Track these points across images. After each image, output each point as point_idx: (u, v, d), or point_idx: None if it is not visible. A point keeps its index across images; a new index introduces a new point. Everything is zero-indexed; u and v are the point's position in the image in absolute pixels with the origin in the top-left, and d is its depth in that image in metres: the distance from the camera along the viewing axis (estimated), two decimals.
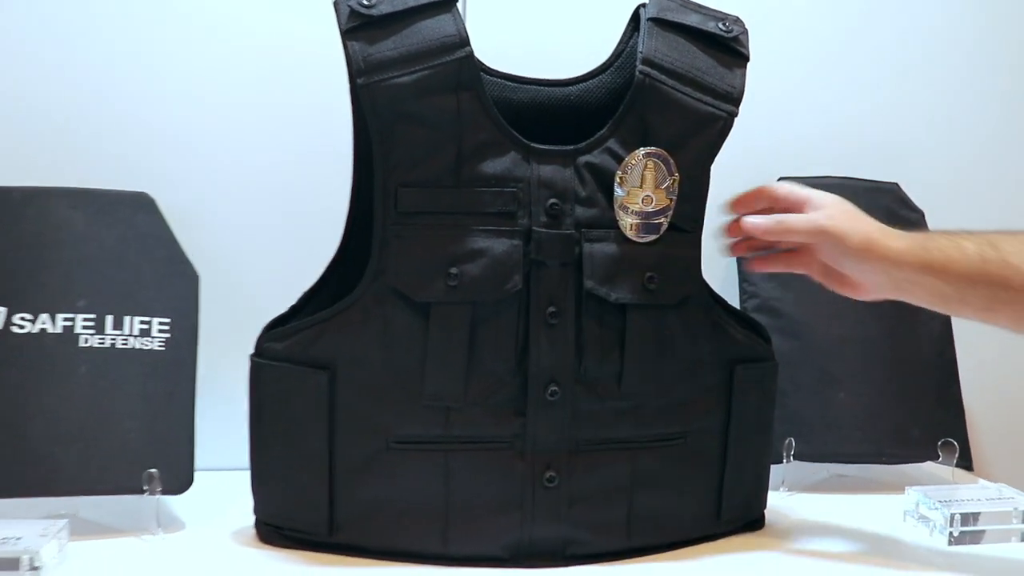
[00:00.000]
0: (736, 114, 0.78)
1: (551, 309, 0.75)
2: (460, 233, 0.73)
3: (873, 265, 0.75)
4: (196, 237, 0.88)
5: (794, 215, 0.78)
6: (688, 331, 0.79)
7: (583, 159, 0.76)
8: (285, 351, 0.76)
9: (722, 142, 0.79)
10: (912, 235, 0.77)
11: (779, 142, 1.09)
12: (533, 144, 0.76)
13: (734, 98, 0.78)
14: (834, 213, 0.77)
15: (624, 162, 0.76)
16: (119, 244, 0.84)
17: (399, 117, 0.73)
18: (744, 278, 1.03)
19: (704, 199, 0.79)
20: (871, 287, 0.78)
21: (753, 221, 0.78)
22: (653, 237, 0.77)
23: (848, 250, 0.76)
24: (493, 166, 0.74)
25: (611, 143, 0.76)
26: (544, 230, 0.74)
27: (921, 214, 1.07)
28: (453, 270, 0.73)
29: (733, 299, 1.02)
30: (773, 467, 0.88)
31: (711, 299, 0.81)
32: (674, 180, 0.77)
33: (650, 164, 0.76)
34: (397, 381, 0.75)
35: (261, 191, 0.99)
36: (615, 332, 0.76)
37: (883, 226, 0.77)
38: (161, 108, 0.96)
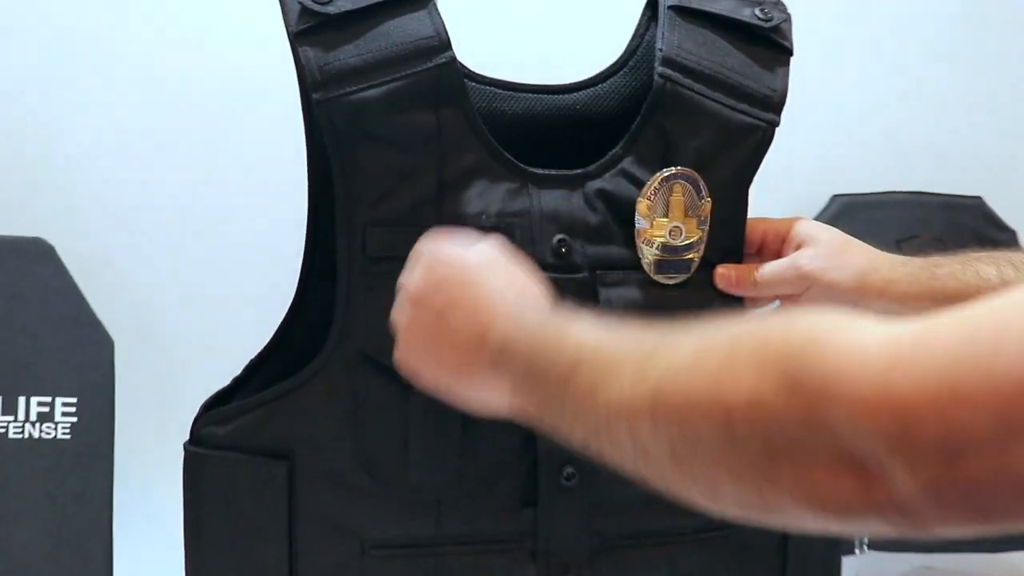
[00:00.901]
0: (777, 123, 0.80)
1: None
2: None
3: (872, 305, 0.77)
4: (108, 292, 0.91)
5: (770, 264, 0.80)
6: None
7: (594, 185, 0.77)
8: (229, 437, 0.77)
9: (761, 157, 0.80)
10: (917, 261, 0.78)
11: (831, 152, 1.12)
12: (531, 168, 0.77)
13: (774, 104, 0.79)
14: (818, 250, 0.79)
15: (644, 187, 0.77)
16: (8, 302, 0.85)
17: (365, 138, 0.73)
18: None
19: (743, 227, 0.81)
20: None
21: (722, 274, 0.80)
22: (683, 277, 0.78)
23: (838, 293, 0.78)
24: (483, 197, 0.75)
25: (627, 163, 0.78)
26: (551, 274, 0.75)
27: (1013, 233, 1.09)
28: None
29: None
30: (844, 559, 0.88)
31: None
32: (706, 205, 0.78)
33: (676, 188, 0.77)
34: (373, 470, 0.75)
35: (192, 232, 1.00)
36: None
37: (880, 253, 0.79)
38: (59, 129, 0.98)
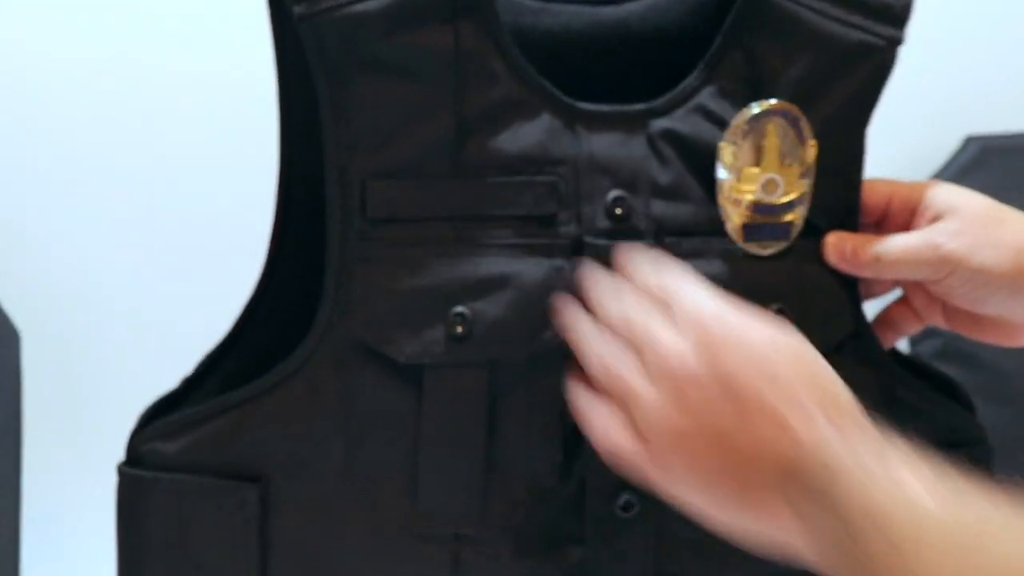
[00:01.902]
0: (901, 40, 0.80)
1: None
2: (467, 251, 0.75)
3: None
4: (15, 273, 0.91)
5: (898, 237, 0.79)
6: None
7: (660, 124, 0.78)
8: (181, 455, 0.77)
9: (881, 86, 0.80)
10: None
11: (965, 83, 1.12)
12: (578, 104, 0.77)
13: (897, 14, 0.80)
14: (962, 224, 0.78)
15: (729, 127, 0.77)
16: None
17: (363, 65, 0.74)
18: None
19: (858, 179, 0.81)
20: None
21: (834, 244, 0.80)
22: (782, 245, 0.79)
23: (989, 279, 0.77)
24: (516, 140, 0.76)
25: (704, 96, 0.78)
26: (604, 241, 0.76)
27: None
28: (459, 310, 0.74)
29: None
30: None
31: (876, 345, 0.83)
32: (810, 151, 0.79)
33: (771, 128, 0.78)
34: (371, 495, 0.75)
35: (121, 199, 1.01)
36: None
37: None
38: None
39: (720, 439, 0.65)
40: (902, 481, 0.59)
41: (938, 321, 0.84)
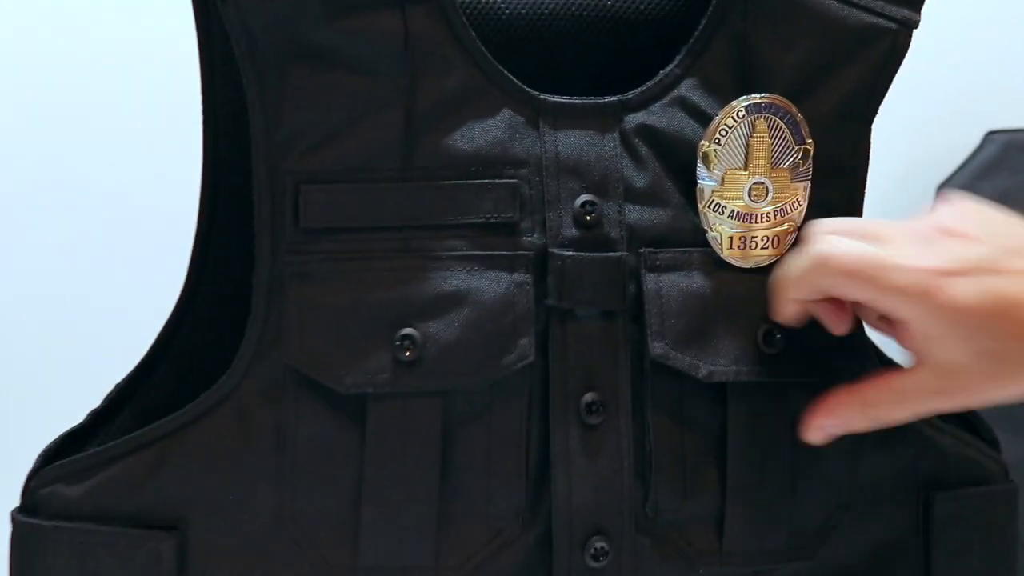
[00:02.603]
0: (915, 23, 0.81)
1: (590, 398, 0.78)
2: (417, 264, 0.76)
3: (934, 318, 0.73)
4: None
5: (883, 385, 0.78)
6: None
7: (636, 119, 0.79)
8: (86, 500, 0.77)
9: (891, 76, 0.82)
10: None
11: (987, 76, 1.15)
12: (543, 96, 0.79)
13: None
14: (836, 224, 0.77)
15: (714, 124, 0.79)
16: None
17: (296, 55, 0.75)
18: None
19: (862, 182, 0.83)
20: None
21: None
22: (771, 258, 0.80)
23: (884, 288, 0.74)
24: (473, 138, 0.77)
25: (686, 88, 0.80)
26: (572, 253, 0.77)
27: None
28: (407, 332, 0.75)
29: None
30: None
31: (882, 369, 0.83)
32: (806, 152, 0.80)
33: (760, 125, 0.80)
34: (308, 543, 0.76)
35: (23, 198, 1.03)
36: (708, 436, 0.80)
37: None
38: None
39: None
40: None
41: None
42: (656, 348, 0.78)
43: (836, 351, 0.81)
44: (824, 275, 0.75)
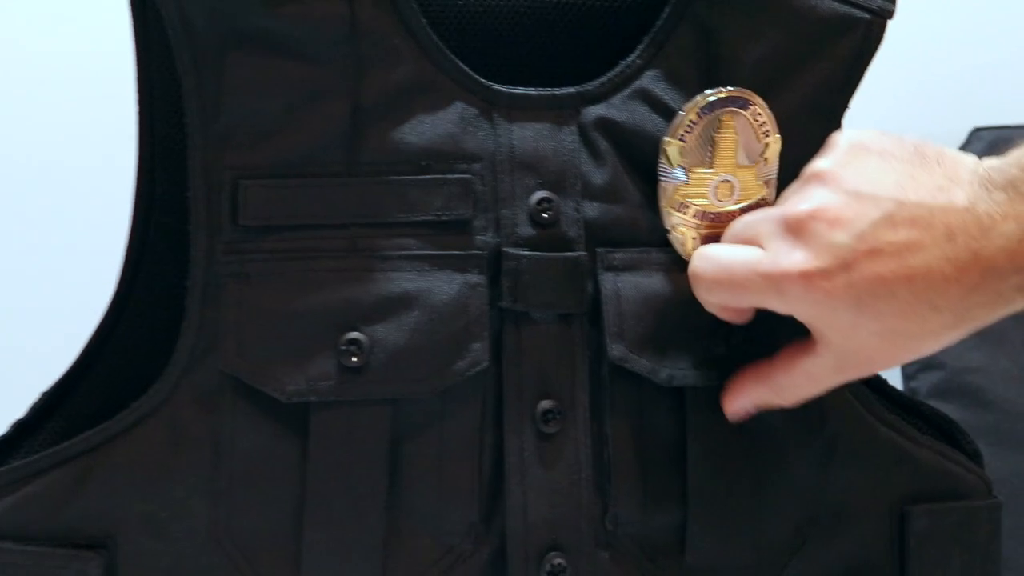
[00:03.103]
0: (890, 13, 0.81)
1: (546, 405, 0.77)
2: (364, 265, 0.75)
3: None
4: None
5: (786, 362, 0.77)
6: (810, 439, 0.82)
7: (595, 112, 0.78)
8: (6, 517, 0.76)
9: (864, 67, 0.81)
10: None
11: (971, 71, 1.15)
12: (497, 87, 0.78)
13: None
14: (731, 230, 0.77)
15: (678, 118, 0.78)
16: None
17: (236, 42, 0.74)
18: None
19: None
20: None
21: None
22: None
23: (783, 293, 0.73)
24: (423, 131, 0.76)
25: (648, 80, 0.79)
26: (527, 253, 0.76)
27: None
28: (353, 336, 0.74)
29: (893, 370, 1.06)
30: None
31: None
32: (771, 147, 0.79)
33: (726, 120, 0.79)
34: (246, 563, 0.75)
35: None
36: (668, 444, 0.79)
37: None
38: None
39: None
40: None
41: None
42: (614, 350, 0.77)
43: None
44: (702, 291, 0.76)
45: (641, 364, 0.78)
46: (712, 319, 0.78)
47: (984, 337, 1.05)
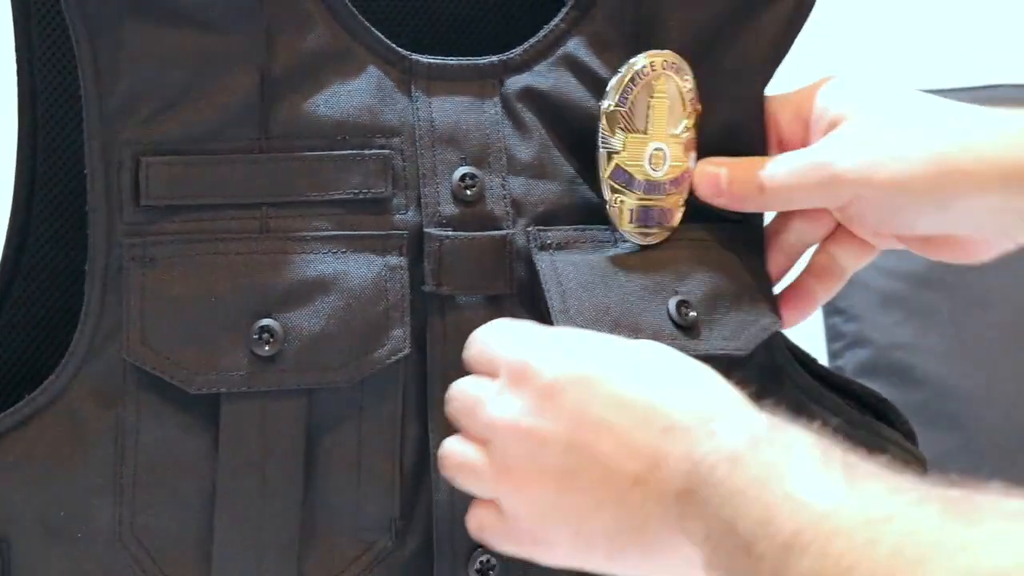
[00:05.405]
0: None
1: None
2: (277, 247, 0.74)
3: (968, 203, 0.74)
4: None
5: (783, 157, 0.79)
6: None
7: (519, 81, 0.78)
8: None
9: (796, 32, 0.80)
10: None
11: (919, 36, 1.13)
12: (414, 56, 0.76)
13: None
14: (859, 133, 0.77)
15: (617, 80, 0.77)
16: None
17: (134, 10, 0.72)
18: (834, 305, 1.08)
19: (762, 148, 0.81)
20: (987, 235, 0.77)
21: (707, 175, 0.79)
22: (664, 233, 0.79)
23: (906, 197, 0.75)
24: (337, 103, 0.75)
25: (573, 46, 0.78)
26: (451, 233, 0.75)
27: None
28: (265, 324, 0.73)
29: (818, 348, 1.05)
30: None
31: (789, 356, 0.84)
32: (695, 116, 0.79)
33: (659, 85, 0.77)
34: (150, 564, 0.73)
35: None
36: None
37: (969, 110, 0.76)
38: None
39: (583, 471, 0.66)
40: (783, 473, 0.59)
41: (884, 243, 0.81)
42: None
43: (750, 319, 0.80)
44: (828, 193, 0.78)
45: None
46: (660, 291, 0.77)
47: (912, 312, 1.05)
